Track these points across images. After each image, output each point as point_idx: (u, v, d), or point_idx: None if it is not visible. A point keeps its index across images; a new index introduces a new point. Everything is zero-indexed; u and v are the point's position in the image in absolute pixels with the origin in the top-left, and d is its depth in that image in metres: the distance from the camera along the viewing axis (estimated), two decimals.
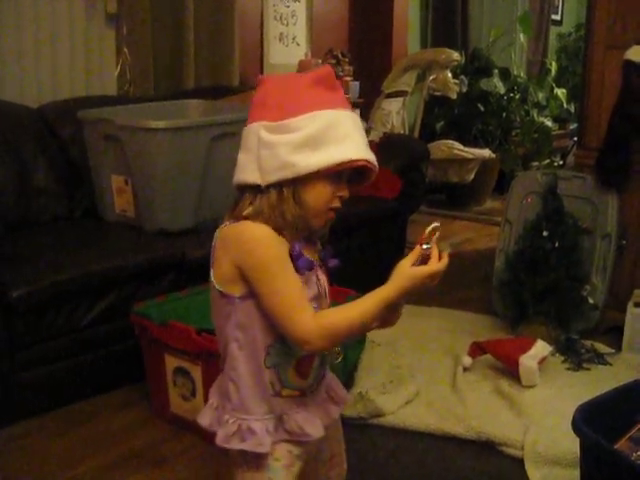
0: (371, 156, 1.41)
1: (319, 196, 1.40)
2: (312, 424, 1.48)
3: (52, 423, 2.61)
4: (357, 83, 5.07)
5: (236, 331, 1.43)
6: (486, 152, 5.37)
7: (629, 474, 1.62)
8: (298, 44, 4.92)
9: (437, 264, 1.37)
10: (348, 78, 5.03)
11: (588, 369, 2.94)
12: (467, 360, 2.87)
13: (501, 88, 5.67)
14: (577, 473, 1.92)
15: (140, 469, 2.37)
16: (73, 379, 2.71)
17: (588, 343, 3.11)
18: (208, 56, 4.12)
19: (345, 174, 1.42)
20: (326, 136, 1.36)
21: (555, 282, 3.11)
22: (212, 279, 1.43)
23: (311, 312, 1.36)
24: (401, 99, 4.83)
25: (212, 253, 1.43)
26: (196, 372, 2.46)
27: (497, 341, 2.98)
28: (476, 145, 5.42)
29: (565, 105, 6.26)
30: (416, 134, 4.90)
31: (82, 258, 2.78)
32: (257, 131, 1.36)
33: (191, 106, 3.56)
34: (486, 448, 2.42)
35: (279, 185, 1.36)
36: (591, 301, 3.16)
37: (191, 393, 2.50)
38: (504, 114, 5.62)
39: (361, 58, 5.28)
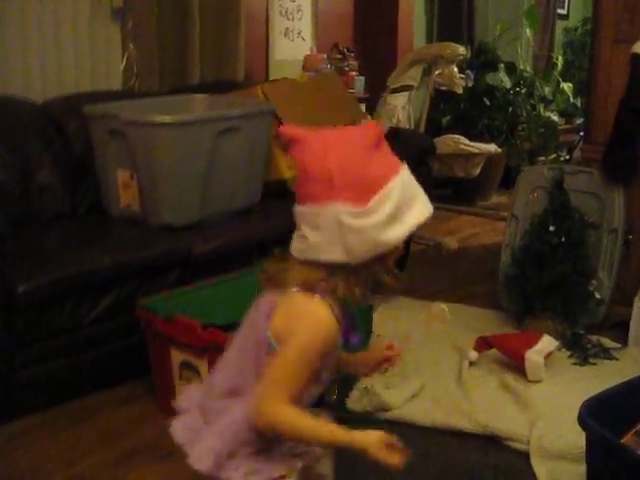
0: (430, 205, 1.46)
1: (395, 257, 1.45)
2: None
3: (56, 419, 2.61)
4: (362, 78, 5.06)
5: None
6: (492, 147, 5.36)
7: (635, 468, 1.61)
8: (304, 39, 4.91)
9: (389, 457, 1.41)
10: (354, 73, 5.02)
11: (594, 364, 2.93)
12: (473, 355, 2.87)
13: (507, 82, 5.65)
14: (583, 467, 1.92)
15: (145, 464, 2.37)
16: (77, 375, 2.72)
17: (594, 338, 3.10)
18: (213, 51, 4.12)
19: None
20: (404, 205, 1.39)
21: (561, 277, 3.10)
22: (268, 331, 1.45)
23: (284, 401, 1.39)
24: (407, 94, 4.82)
25: (272, 305, 1.47)
26: (202, 366, 2.46)
27: (503, 336, 2.98)
28: (482, 140, 5.40)
29: (571, 99, 6.23)
30: (422, 129, 4.89)
31: (87, 254, 2.78)
32: (336, 216, 1.36)
33: (196, 101, 3.56)
34: (492, 442, 2.42)
35: (368, 261, 1.40)
36: (597, 296, 3.15)
37: None
38: (510, 109, 5.60)
39: (367, 53, 5.27)
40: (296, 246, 1.43)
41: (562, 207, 3.17)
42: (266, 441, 1.47)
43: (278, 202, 3.25)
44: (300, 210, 1.42)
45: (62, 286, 2.62)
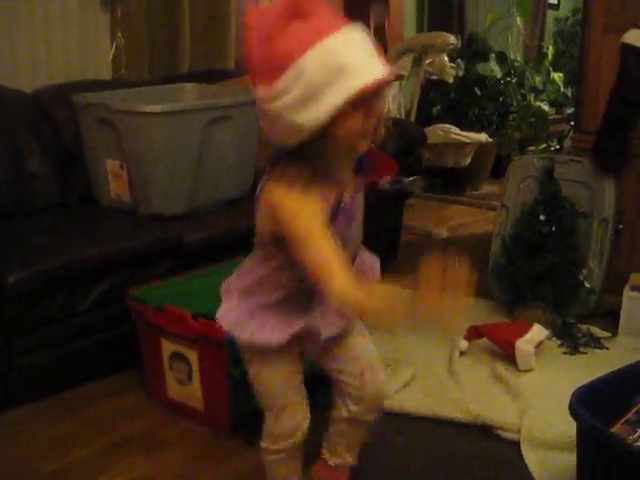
0: (382, 68, 1.31)
1: (350, 129, 1.35)
2: None
3: (48, 409, 2.61)
4: None
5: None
6: (483, 136, 5.36)
7: (625, 457, 1.62)
8: None
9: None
10: None
11: (585, 353, 2.94)
12: (463, 344, 2.87)
13: (498, 72, 5.64)
14: (574, 456, 1.93)
15: (136, 454, 2.37)
16: (69, 366, 2.71)
17: (585, 327, 3.11)
18: (204, 39, 4.09)
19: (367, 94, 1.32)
20: (325, 80, 1.27)
21: (552, 266, 3.11)
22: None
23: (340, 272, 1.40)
24: (397, 83, 4.81)
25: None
26: (192, 357, 2.45)
27: (493, 325, 2.98)
28: (473, 129, 5.40)
29: (562, 89, 6.24)
30: (412, 118, 4.88)
31: (77, 243, 2.77)
32: (258, 102, 1.35)
33: (186, 90, 3.54)
34: (483, 432, 2.43)
35: (306, 143, 1.35)
36: (588, 285, 3.16)
37: (187, 378, 2.49)
38: (501, 98, 5.60)
39: None
40: None
41: (553, 196, 3.17)
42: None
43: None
44: None
45: (53, 276, 2.61)
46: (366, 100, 1.32)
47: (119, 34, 3.73)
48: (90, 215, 3.17)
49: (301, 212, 1.37)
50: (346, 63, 1.26)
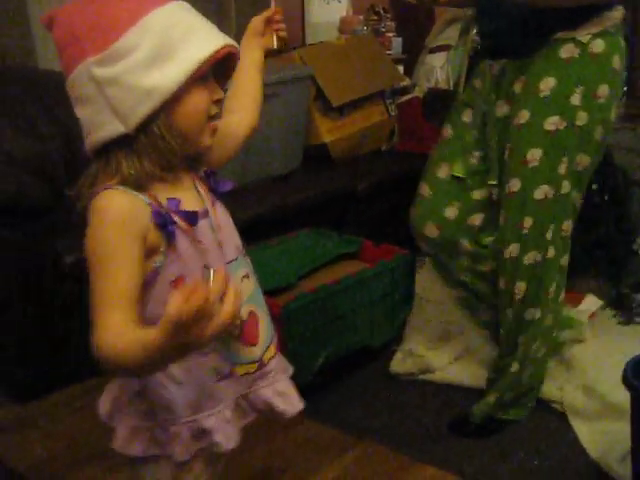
0: (229, 39, 1.17)
1: (197, 109, 1.14)
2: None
3: (104, 386, 2.67)
4: (400, 39, 5.00)
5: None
6: None
7: None
8: (339, 1, 4.86)
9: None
10: (390, 34, 4.96)
11: (639, 323, 2.91)
12: None
13: None
14: (626, 427, 1.92)
15: None
16: None
17: (639, 297, 3.08)
18: (249, 17, 4.09)
19: (210, 73, 1.16)
20: (172, 40, 1.09)
21: (605, 236, 3.08)
22: None
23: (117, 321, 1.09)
24: (444, 54, 4.76)
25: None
26: None
27: None
28: None
29: None
30: (460, 89, 4.83)
31: None
32: (87, 73, 1.09)
33: None
34: (536, 403, 2.43)
35: (147, 122, 1.10)
36: None
37: None
38: None
39: (403, 13, 5.21)
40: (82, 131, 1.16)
41: (605, 165, 3.12)
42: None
43: (318, 166, 3.26)
44: (66, 88, 1.16)
45: None
46: (208, 79, 1.15)
47: None
48: None
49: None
50: (193, 27, 1.13)
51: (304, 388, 2.44)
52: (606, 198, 3.08)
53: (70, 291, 2.60)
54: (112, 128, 1.10)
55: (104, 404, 1.32)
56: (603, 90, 2.06)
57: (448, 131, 2.34)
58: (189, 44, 1.10)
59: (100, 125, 1.11)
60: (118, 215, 1.10)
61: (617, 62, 2.06)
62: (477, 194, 2.29)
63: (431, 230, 2.31)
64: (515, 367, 2.29)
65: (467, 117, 2.29)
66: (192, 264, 1.17)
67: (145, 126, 1.10)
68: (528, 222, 2.12)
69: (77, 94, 1.13)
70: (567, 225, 2.17)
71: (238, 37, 1.48)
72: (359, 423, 2.41)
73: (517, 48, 2.08)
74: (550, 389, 2.44)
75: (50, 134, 3.09)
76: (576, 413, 2.34)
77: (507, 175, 2.14)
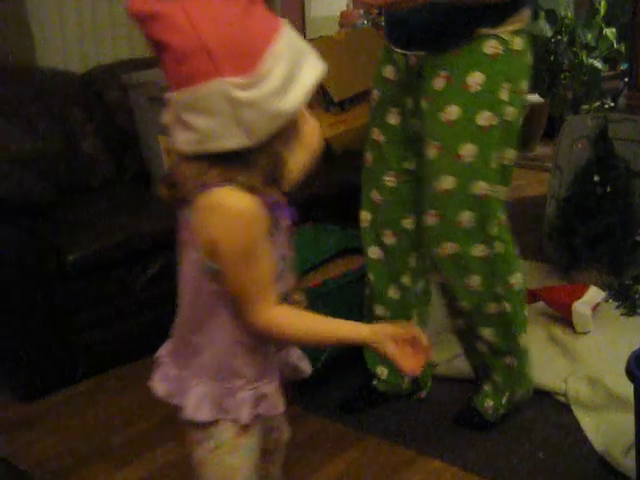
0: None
1: (311, 124, 1.31)
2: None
3: (109, 383, 2.69)
4: None
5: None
6: (534, 97, 5.27)
7: None
8: None
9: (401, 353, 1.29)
10: None
11: None
12: None
13: (548, 31, 5.53)
14: (630, 417, 1.92)
15: None
16: (129, 340, 2.79)
17: None
18: None
19: None
20: (295, 65, 1.17)
21: (607, 227, 3.07)
22: (200, 252, 1.25)
23: (270, 303, 1.28)
24: None
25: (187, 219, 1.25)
26: None
27: (550, 288, 2.97)
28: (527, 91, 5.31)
29: (615, 45, 6.09)
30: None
31: (134, 220, 2.82)
32: (224, 92, 1.13)
33: None
34: (539, 395, 2.43)
35: (269, 140, 1.19)
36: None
37: None
38: (552, 57, 5.49)
39: None
40: (182, 138, 1.19)
41: (607, 156, 3.12)
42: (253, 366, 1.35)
43: (319, 161, 3.25)
44: (177, 96, 1.17)
45: (111, 253, 2.67)
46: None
47: None
48: (145, 192, 3.22)
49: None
50: (305, 49, 1.21)
51: (308, 382, 2.46)
52: (608, 189, 3.07)
53: (73, 289, 2.60)
54: (237, 141, 1.17)
55: (163, 384, 1.42)
56: (524, 85, 2.08)
57: (381, 137, 2.28)
58: (304, 69, 1.19)
59: (223, 136, 1.17)
60: (252, 213, 1.20)
61: (531, 59, 2.09)
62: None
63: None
64: (509, 360, 2.29)
65: (393, 119, 2.23)
66: (276, 255, 1.30)
67: (266, 143, 1.19)
68: (466, 217, 2.08)
69: (203, 106, 1.15)
70: (503, 216, 2.15)
71: None
72: (363, 418, 2.41)
73: (436, 42, 2.02)
74: (554, 381, 2.44)
75: (50, 133, 3.10)
76: (580, 405, 2.35)
77: (435, 172, 2.09)
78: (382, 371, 2.45)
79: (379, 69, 2.23)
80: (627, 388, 1.92)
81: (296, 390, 2.48)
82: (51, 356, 2.60)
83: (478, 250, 2.12)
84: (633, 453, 1.94)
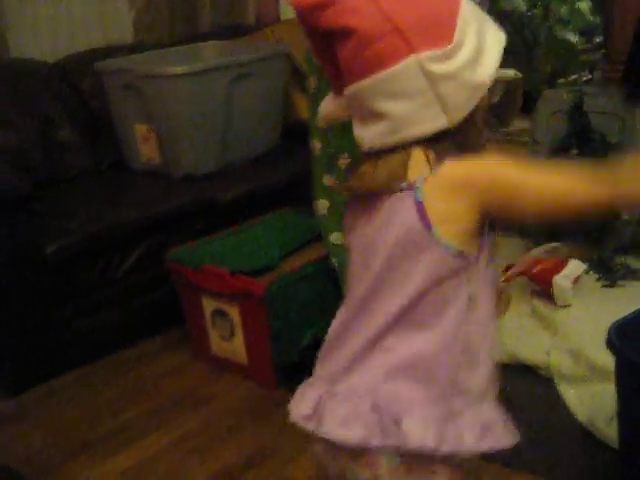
0: None
1: (486, 100, 1.16)
2: None
3: (96, 373, 2.68)
4: None
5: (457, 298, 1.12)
6: (511, 72, 5.27)
7: None
8: None
9: None
10: None
11: (622, 286, 2.92)
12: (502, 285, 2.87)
13: (522, 5, 5.53)
14: (612, 388, 1.94)
15: (185, 411, 2.44)
16: (113, 329, 2.78)
17: (622, 259, 3.09)
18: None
19: None
20: (482, 34, 1.11)
21: None
22: (441, 241, 1.08)
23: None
24: None
25: (422, 208, 1.08)
26: (234, 313, 2.50)
27: (530, 262, 2.98)
28: (500, 66, 5.31)
29: (590, 17, 6.09)
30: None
31: (112, 209, 2.82)
32: (420, 68, 1.04)
33: (208, 48, 3.54)
34: (521, 370, 2.44)
35: (468, 117, 1.10)
36: (625, 217, 3.13)
37: (230, 333, 2.54)
38: (527, 32, 5.49)
39: None
40: (373, 131, 1.09)
41: (583, 130, 3.13)
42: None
43: (299, 143, 3.24)
44: (364, 84, 1.07)
45: (90, 243, 2.66)
46: None
47: None
48: (123, 180, 3.21)
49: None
50: (482, 14, 1.16)
51: (291, 367, 2.48)
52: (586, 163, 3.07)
53: (53, 281, 2.59)
54: (436, 123, 1.08)
55: (358, 423, 1.11)
56: None
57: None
58: (488, 36, 1.12)
59: (422, 120, 1.07)
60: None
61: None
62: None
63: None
64: None
65: None
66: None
67: (464, 121, 1.09)
68: None
69: (398, 87, 1.06)
70: None
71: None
72: None
73: None
74: (536, 355, 2.46)
75: (24, 124, 3.07)
76: (563, 377, 2.36)
77: None
78: None
79: (311, 56, 2.19)
80: (608, 359, 1.94)
81: (281, 374, 2.49)
82: (34, 349, 2.58)
83: None
84: (615, 423, 1.95)
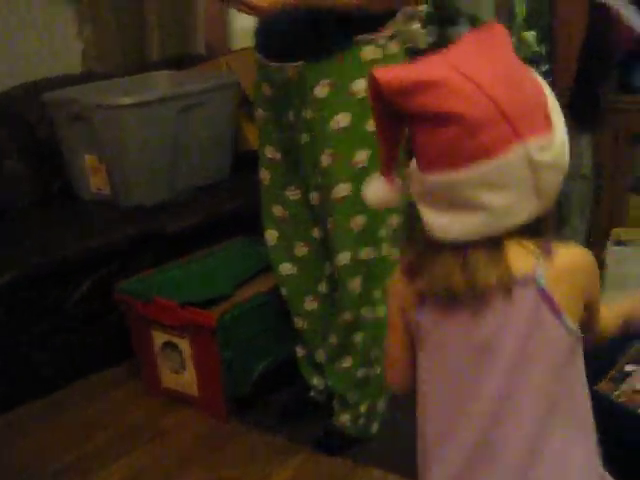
0: None
1: None
2: None
3: (45, 408, 2.63)
4: None
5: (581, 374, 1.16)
6: None
7: (609, 413, 1.65)
8: None
9: None
10: None
11: None
12: None
13: None
14: None
15: (137, 445, 2.40)
16: (62, 362, 2.73)
17: None
18: (172, 25, 4.05)
19: None
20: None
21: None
22: (564, 322, 1.09)
23: None
24: None
25: (549, 296, 1.08)
26: (184, 345, 2.47)
27: None
28: None
29: (537, 47, 6.23)
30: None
31: (62, 240, 2.79)
32: (528, 157, 1.00)
33: (157, 78, 3.53)
34: None
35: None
36: (572, 242, 3.17)
37: (181, 366, 2.51)
38: None
39: None
40: (467, 225, 1.03)
41: None
42: None
43: (248, 174, 3.25)
44: (461, 175, 1.01)
45: (39, 274, 2.63)
46: None
47: (87, 26, 3.70)
48: (72, 211, 3.17)
49: None
50: None
51: (243, 399, 2.47)
52: None
53: (4, 311, 2.55)
54: (531, 210, 1.05)
55: None
56: None
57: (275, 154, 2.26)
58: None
59: (521, 210, 1.04)
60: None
61: (406, 60, 2.10)
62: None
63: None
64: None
65: (282, 134, 2.20)
66: None
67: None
68: (360, 221, 2.09)
69: (504, 179, 1.01)
70: (395, 219, 2.16)
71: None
72: (302, 429, 2.41)
73: (316, 50, 2.00)
74: None
75: None
76: None
77: (331, 180, 2.08)
78: (318, 382, 2.44)
79: (257, 87, 2.21)
80: None
81: (234, 406, 2.47)
82: (9, 373, 2.56)
83: (364, 253, 2.13)
84: None
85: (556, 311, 1.07)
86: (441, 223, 1.05)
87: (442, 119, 0.99)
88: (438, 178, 1.03)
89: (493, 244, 1.05)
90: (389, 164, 1.11)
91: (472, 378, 1.10)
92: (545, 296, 1.06)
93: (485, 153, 0.99)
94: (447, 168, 1.01)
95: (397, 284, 1.18)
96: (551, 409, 1.09)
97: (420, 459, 1.21)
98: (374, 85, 1.02)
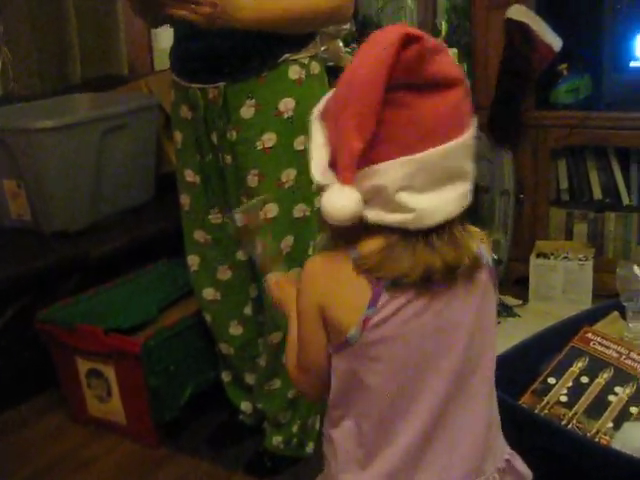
0: None
1: None
2: None
3: None
4: None
5: None
6: None
7: (531, 427, 1.67)
8: None
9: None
10: None
11: (499, 322, 3.01)
12: None
13: None
14: None
15: (68, 474, 2.36)
16: None
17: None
18: (94, 46, 3.99)
19: None
20: None
21: None
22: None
23: None
24: None
25: (493, 270, 1.20)
26: (109, 372, 2.43)
27: None
28: None
29: (457, 64, 6.34)
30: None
31: None
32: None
33: (79, 100, 3.47)
34: None
35: None
36: (495, 257, 3.22)
37: (107, 394, 2.47)
38: None
39: None
40: (456, 198, 1.07)
41: None
42: None
43: (172, 195, 3.22)
44: (461, 143, 1.06)
45: None
46: None
47: (4, 48, 3.63)
48: None
49: None
50: None
51: (172, 425, 2.43)
52: None
53: None
54: None
55: None
56: None
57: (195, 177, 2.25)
58: None
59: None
60: None
61: (326, 81, 2.14)
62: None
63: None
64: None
65: (203, 157, 2.19)
66: None
67: None
68: (289, 241, 2.10)
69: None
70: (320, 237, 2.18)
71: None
72: (232, 454, 2.39)
73: (239, 70, 2.00)
74: None
75: None
76: None
77: None
78: (247, 406, 2.42)
79: (176, 110, 2.19)
80: None
81: (163, 431, 2.43)
82: None
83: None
84: None
85: (495, 285, 1.18)
86: (429, 205, 1.04)
87: (453, 80, 1.03)
88: (434, 151, 1.02)
89: (459, 225, 1.09)
90: (352, 168, 1.03)
91: (433, 357, 1.11)
92: (491, 271, 1.17)
93: (471, 118, 1.06)
94: (447, 136, 1.03)
95: (318, 279, 1.14)
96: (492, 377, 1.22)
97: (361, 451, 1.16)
98: (395, 48, 0.99)
